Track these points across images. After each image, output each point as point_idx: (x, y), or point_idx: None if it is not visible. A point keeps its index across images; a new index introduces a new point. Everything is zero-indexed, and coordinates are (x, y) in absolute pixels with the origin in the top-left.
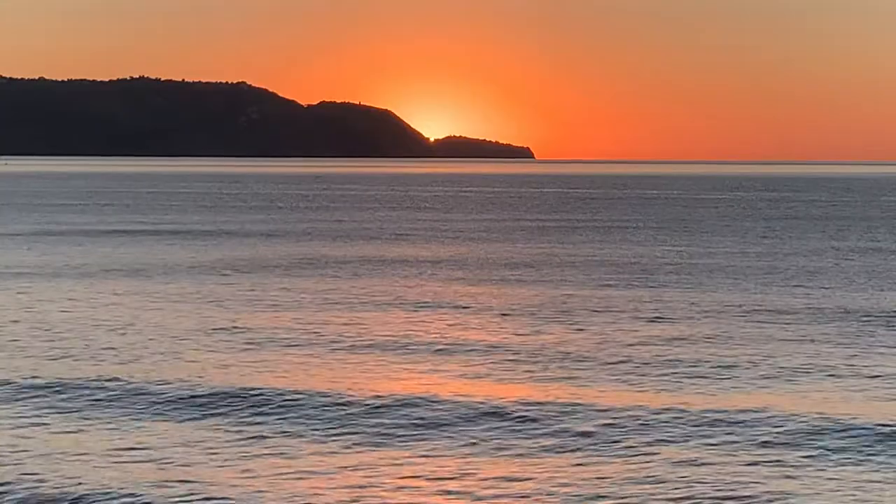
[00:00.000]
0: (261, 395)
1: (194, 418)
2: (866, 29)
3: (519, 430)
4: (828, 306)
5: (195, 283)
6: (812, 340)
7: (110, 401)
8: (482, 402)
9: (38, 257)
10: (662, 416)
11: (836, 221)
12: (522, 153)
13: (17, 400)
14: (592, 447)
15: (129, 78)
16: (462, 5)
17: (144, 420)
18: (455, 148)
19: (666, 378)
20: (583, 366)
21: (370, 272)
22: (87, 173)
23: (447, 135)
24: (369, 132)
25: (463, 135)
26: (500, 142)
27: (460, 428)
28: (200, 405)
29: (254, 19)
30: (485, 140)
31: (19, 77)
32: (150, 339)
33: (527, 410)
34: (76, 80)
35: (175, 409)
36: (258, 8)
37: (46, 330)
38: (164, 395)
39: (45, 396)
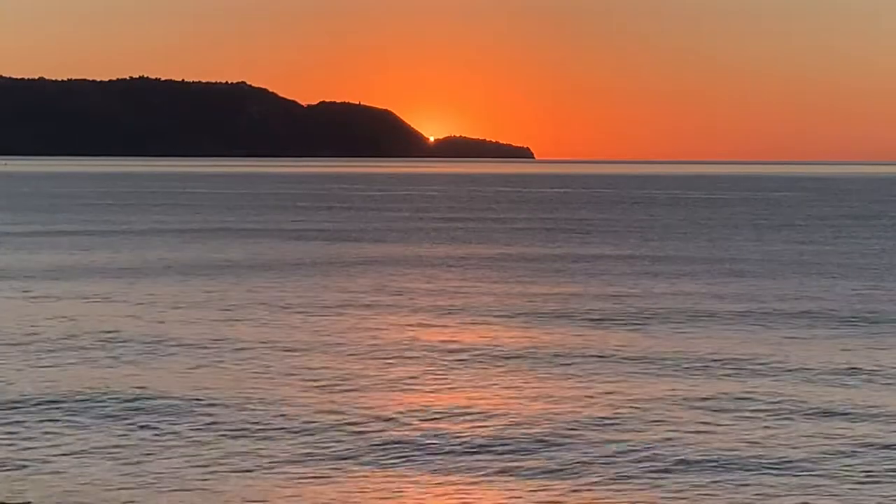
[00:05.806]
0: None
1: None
2: (862, 29)
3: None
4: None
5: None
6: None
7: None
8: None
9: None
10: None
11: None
12: (522, 153)
13: None
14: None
15: (129, 78)
16: (463, 6)
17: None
18: (455, 148)
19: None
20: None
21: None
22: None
23: (447, 135)
24: (369, 132)
25: (463, 135)
26: (500, 142)
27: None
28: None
29: (254, 19)
30: (485, 140)
31: (19, 77)
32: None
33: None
34: (76, 80)
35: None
36: (258, 8)
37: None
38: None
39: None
